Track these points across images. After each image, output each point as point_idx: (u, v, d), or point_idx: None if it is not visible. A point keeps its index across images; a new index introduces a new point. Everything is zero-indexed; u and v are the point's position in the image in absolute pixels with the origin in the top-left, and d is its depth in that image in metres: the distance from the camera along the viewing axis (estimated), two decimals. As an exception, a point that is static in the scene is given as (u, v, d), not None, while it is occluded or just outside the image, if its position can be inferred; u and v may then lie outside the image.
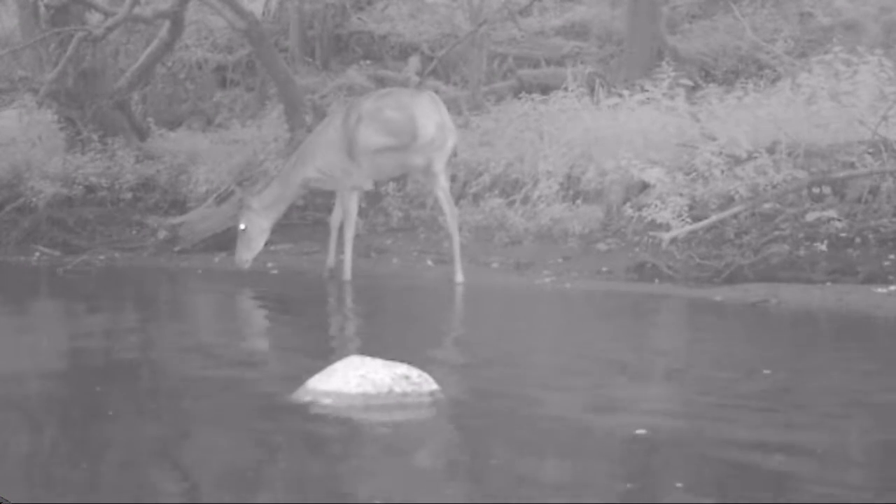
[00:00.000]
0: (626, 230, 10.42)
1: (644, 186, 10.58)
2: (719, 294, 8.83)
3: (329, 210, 11.83)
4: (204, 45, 16.06)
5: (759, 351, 7.15)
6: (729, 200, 10.09)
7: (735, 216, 9.80)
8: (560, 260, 10.24)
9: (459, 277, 9.80)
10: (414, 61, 15.64)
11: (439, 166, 9.94)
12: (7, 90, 15.14)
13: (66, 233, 12.28)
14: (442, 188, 10.03)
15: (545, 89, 12.76)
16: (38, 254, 11.93)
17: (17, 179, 12.78)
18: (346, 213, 10.16)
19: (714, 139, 10.61)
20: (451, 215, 10.02)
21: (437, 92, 14.44)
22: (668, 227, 9.81)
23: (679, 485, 4.56)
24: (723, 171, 10.32)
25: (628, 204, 10.58)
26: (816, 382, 6.21)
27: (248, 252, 10.16)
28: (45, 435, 5.38)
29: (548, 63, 14.94)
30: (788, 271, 9.16)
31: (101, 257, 11.62)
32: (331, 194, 11.96)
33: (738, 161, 10.34)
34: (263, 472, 4.78)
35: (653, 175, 10.37)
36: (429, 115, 9.82)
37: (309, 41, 16.25)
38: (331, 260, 10.24)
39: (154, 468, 4.81)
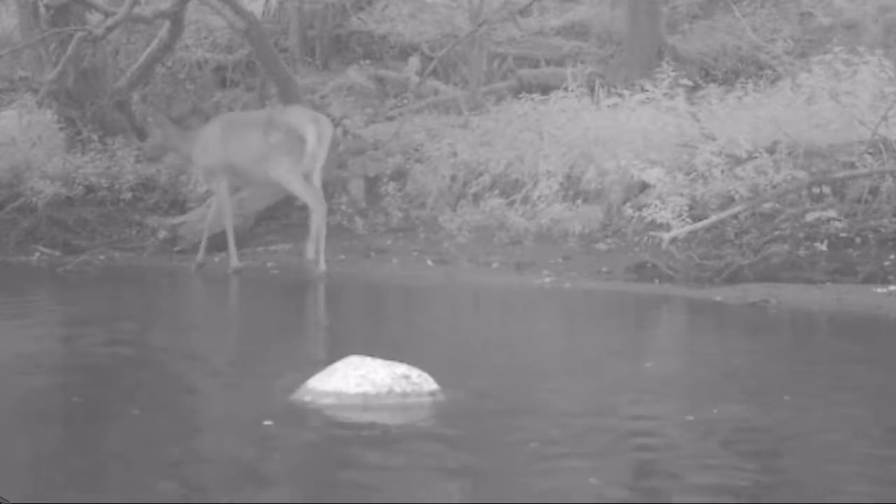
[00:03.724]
0: (626, 230, 10.42)
1: (644, 186, 10.58)
2: (719, 294, 8.84)
3: (329, 210, 11.84)
4: (204, 45, 16.03)
5: (759, 351, 7.15)
6: (729, 200, 10.09)
7: (735, 216, 9.80)
8: (560, 260, 10.24)
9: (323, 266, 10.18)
10: (414, 61, 15.64)
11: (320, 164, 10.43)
12: (7, 90, 15.11)
13: (66, 233, 12.25)
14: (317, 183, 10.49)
15: (545, 89, 12.75)
16: (38, 254, 11.92)
17: (17, 179, 12.74)
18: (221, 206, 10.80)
19: (714, 139, 10.62)
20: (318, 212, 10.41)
21: (436, 92, 14.53)
22: (668, 227, 9.81)
23: (679, 484, 4.56)
24: (723, 171, 10.32)
25: (628, 204, 10.58)
26: (814, 384, 6.21)
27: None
28: (44, 435, 5.38)
29: (548, 63, 14.93)
30: (788, 271, 9.16)
31: (101, 257, 11.61)
32: (328, 194, 12.00)
33: (738, 161, 10.34)
34: (263, 472, 4.78)
35: (653, 175, 10.38)
36: (306, 121, 10.34)
37: (309, 41, 16.24)
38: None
39: (154, 468, 4.80)
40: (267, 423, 5.51)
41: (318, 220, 10.34)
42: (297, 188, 10.42)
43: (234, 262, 10.63)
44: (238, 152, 10.52)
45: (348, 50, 16.29)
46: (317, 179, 10.44)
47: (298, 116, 10.52)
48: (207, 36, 16.11)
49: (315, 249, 10.31)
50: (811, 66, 11.09)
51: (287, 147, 10.28)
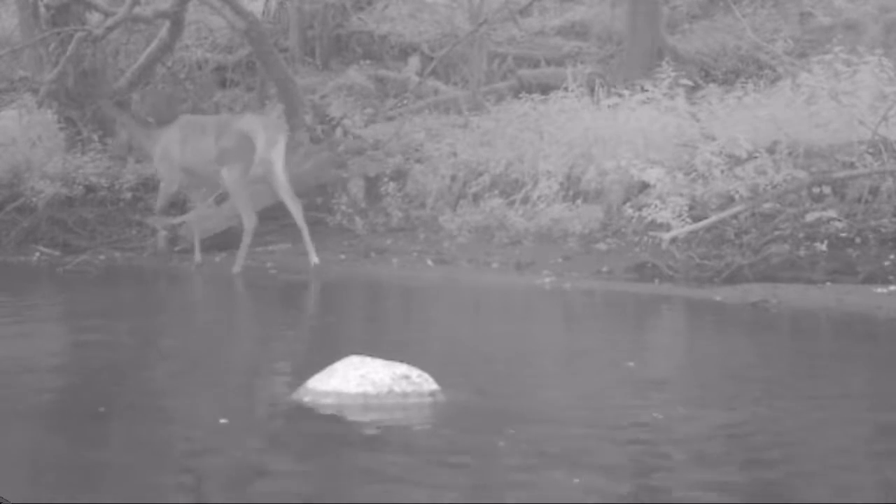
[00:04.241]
0: (626, 230, 10.42)
1: (644, 186, 10.58)
2: (719, 294, 8.84)
3: (329, 210, 11.86)
4: (204, 45, 16.04)
5: (759, 351, 7.16)
6: (729, 200, 10.09)
7: (735, 216, 9.80)
8: (560, 260, 10.24)
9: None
10: (414, 61, 15.64)
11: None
12: (7, 90, 15.11)
13: (66, 233, 12.26)
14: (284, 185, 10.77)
15: (545, 89, 12.75)
16: (38, 254, 11.92)
17: (17, 179, 12.74)
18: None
19: (714, 139, 10.62)
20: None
21: (436, 92, 14.53)
22: (668, 227, 9.81)
23: (681, 485, 4.56)
24: (723, 171, 10.32)
25: (628, 204, 10.58)
26: (813, 385, 6.21)
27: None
28: (44, 435, 5.38)
29: (548, 63, 14.93)
30: (788, 271, 9.16)
31: (101, 257, 11.61)
32: (330, 195, 12.01)
33: (738, 161, 10.34)
34: (263, 471, 4.78)
35: (653, 175, 10.37)
36: (257, 128, 10.71)
37: (309, 41, 16.24)
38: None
39: (154, 468, 4.80)
40: (267, 422, 5.51)
41: (247, 238, 10.65)
42: (241, 199, 10.75)
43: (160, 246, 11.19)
44: (192, 153, 10.92)
45: (348, 50, 16.29)
46: (282, 179, 10.71)
47: (250, 122, 10.90)
48: (207, 36, 16.12)
49: (242, 263, 10.61)
50: (811, 66, 11.08)
51: (238, 152, 10.63)
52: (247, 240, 10.65)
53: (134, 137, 11.98)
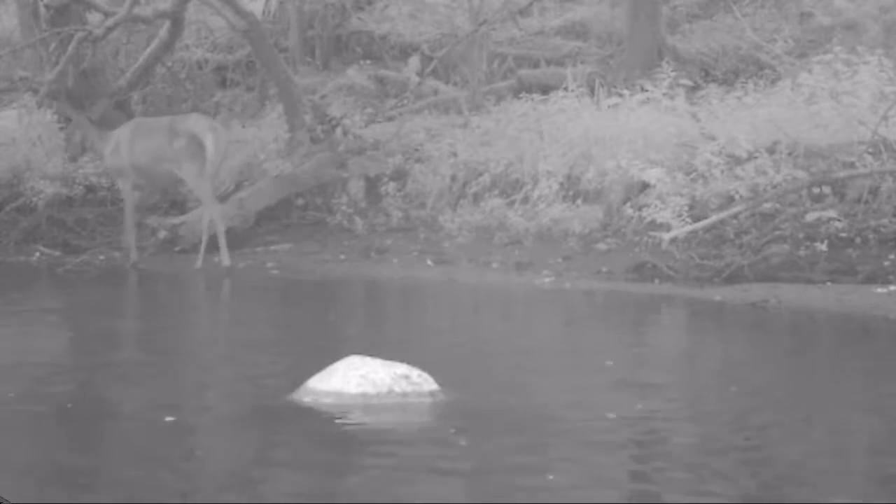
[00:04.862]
0: (626, 230, 10.41)
1: (644, 186, 10.58)
2: (719, 294, 8.84)
3: (329, 210, 11.86)
4: (204, 45, 16.02)
5: (759, 352, 7.16)
6: (729, 200, 10.09)
7: (735, 216, 9.80)
8: (560, 260, 10.24)
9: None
10: (414, 61, 15.61)
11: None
12: (7, 90, 15.10)
13: (66, 233, 12.25)
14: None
15: (545, 89, 12.73)
16: (38, 254, 11.92)
17: (17, 179, 12.74)
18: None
19: (714, 139, 10.62)
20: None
21: (436, 92, 14.53)
22: (668, 227, 9.81)
23: (681, 484, 4.57)
24: (723, 171, 10.32)
25: (628, 204, 10.58)
26: (812, 385, 6.21)
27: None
28: (43, 434, 5.38)
29: (548, 63, 14.91)
30: (788, 271, 9.17)
31: (101, 257, 11.61)
32: (328, 194, 12.01)
33: (738, 161, 10.34)
34: (264, 471, 4.78)
35: (653, 175, 10.37)
36: (205, 129, 11.04)
37: (309, 41, 16.22)
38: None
39: (154, 468, 4.80)
40: (267, 423, 5.50)
41: (221, 227, 10.85)
42: (206, 193, 11.05)
43: (133, 256, 11.18)
44: (142, 153, 11.26)
45: (348, 50, 16.27)
46: (214, 180, 11.17)
47: (198, 124, 11.20)
48: (207, 36, 16.10)
49: (227, 255, 10.75)
50: (811, 66, 11.08)
51: (190, 152, 10.97)
52: (221, 228, 10.84)
53: (88, 138, 12.29)
